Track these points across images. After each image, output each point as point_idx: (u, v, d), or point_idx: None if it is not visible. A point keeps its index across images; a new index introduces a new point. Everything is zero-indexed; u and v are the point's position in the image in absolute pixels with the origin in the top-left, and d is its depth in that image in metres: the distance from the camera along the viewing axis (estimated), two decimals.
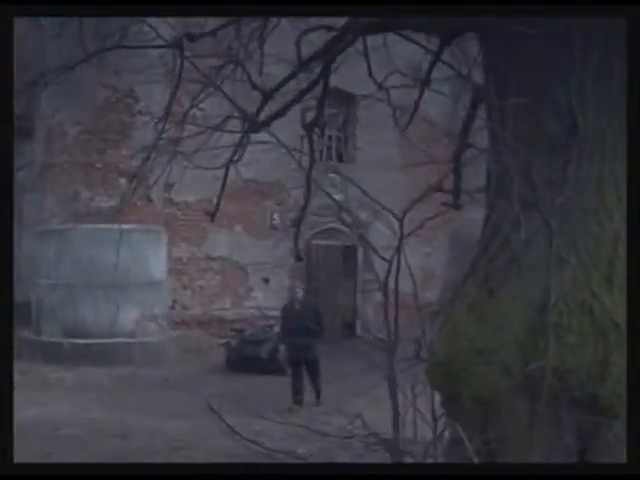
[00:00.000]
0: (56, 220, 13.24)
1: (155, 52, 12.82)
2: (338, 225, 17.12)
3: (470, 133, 5.94)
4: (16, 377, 11.81)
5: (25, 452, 6.27)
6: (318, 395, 10.75)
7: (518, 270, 3.31)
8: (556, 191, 3.20)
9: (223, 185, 7.14)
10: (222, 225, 15.28)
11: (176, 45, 5.32)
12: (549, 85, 3.36)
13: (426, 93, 8.07)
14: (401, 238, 3.67)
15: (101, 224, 12.85)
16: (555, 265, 2.97)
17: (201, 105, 15.75)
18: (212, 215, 7.67)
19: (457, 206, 6.89)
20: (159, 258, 13.61)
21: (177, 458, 5.66)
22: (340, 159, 17.37)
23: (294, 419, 8.19)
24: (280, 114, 5.55)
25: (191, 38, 5.40)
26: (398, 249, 3.56)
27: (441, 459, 3.39)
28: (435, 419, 3.93)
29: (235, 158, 6.23)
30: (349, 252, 17.19)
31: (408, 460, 3.56)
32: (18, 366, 11.94)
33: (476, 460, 2.67)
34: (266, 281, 15.92)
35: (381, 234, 18.86)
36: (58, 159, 13.15)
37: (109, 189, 12.98)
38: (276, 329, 13.17)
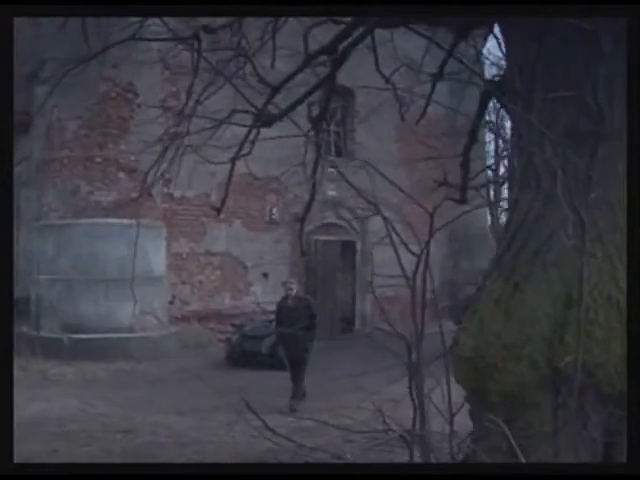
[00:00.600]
0: (55, 215, 13.16)
1: (155, 45, 12.81)
2: (336, 220, 17.15)
3: (480, 128, 5.94)
4: (16, 373, 11.78)
5: (30, 448, 6.26)
6: (296, 396, 10.10)
7: (543, 264, 3.28)
8: (581, 185, 3.18)
9: (229, 179, 7.11)
10: (221, 220, 15.24)
11: (194, 38, 5.26)
12: (577, 79, 3.34)
13: (425, 89, 8.07)
14: (430, 232, 3.64)
15: (101, 219, 12.82)
16: (583, 259, 2.95)
17: (200, 99, 15.64)
18: (218, 210, 7.65)
19: (464, 201, 6.89)
20: (159, 253, 13.56)
21: (188, 453, 5.63)
22: (339, 154, 17.34)
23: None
24: (292, 108, 5.51)
25: (208, 30, 5.35)
26: (427, 244, 3.53)
27: (468, 455, 3.37)
28: (452, 414, 3.91)
29: (244, 152, 6.19)
30: (348, 247, 17.19)
31: (433, 456, 3.54)
32: (18, 362, 11.92)
33: (521, 457, 2.65)
34: (265, 276, 15.88)
35: (379, 228, 18.75)
36: (57, 154, 13.06)
37: (109, 183, 12.91)
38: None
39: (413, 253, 3.71)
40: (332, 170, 16.87)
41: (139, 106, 12.99)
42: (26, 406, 9.09)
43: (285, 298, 10.64)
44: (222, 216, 15.10)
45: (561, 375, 3.02)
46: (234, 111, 7.13)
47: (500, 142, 25.65)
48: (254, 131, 6.09)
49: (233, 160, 7.07)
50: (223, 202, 7.40)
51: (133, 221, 12.96)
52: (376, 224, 19.61)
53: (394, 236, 3.89)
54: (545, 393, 3.11)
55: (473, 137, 5.66)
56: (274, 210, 15.81)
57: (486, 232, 21.01)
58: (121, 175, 12.92)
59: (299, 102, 5.30)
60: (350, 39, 5.61)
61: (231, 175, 6.99)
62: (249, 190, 15.11)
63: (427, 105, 5.26)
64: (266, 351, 12.71)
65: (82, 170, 12.85)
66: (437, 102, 5.88)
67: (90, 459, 5.76)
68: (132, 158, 13.01)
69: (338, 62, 5.00)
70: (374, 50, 6.32)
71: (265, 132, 7.00)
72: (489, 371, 3.24)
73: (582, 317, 2.79)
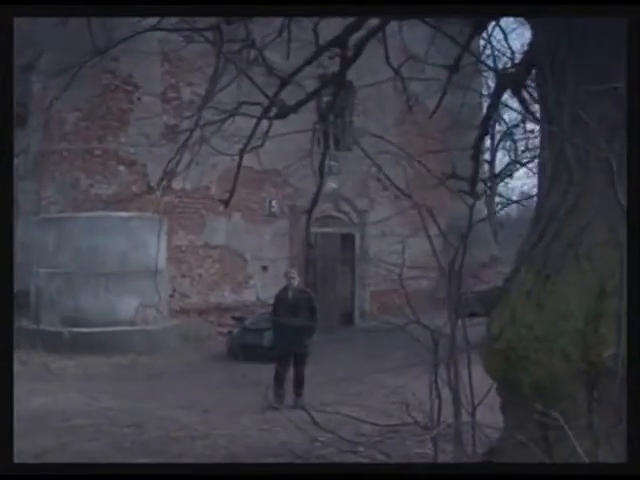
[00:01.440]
0: (55, 208, 13.09)
1: (156, 38, 12.74)
2: (335, 213, 17.14)
3: (492, 121, 5.93)
4: (17, 367, 11.75)
5: (38, 443, 6.22)
6: (299, 394, 9.51)
7: (575, 256, 3.28)
8: (611, 175, 3.16)
9: (237, 172, 7.09)
10: (220, 213, 15.20)
11: (215, 29, 5.23)
12: (608, 71, 3.32)
13: (424, 83, 8.05)
14: (470, 225, 3.62)
15: (101, 212, 12.76)
16: (615, 251, 2.94)
17: (198, 90, 15.63)
18: (226, 202, 7.63)
19: (474, 193, 6.88)
20: (159, 246, 13.49)
21: (198, 448, 5.61)
22: (337, 146, 17.29)
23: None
24: (307, 100, 5.48)
25: (229, 22, 5.32)
26: (466, 236, 3.50)
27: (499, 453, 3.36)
28: (474, 406, 3.92)
29: (257, 144, 6.18)
30: (347, 240, 17.18)
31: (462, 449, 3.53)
32: (18, 355, 11.87)
33: (582, 455, 2.64)
34: (265, 269, 15.86)
35: (378, 221, 18.72)
36: (57, 146, 12.97)
37: (109, 176, 12.84)
38: None
39: (451, 245, 3.69)
40: (334, 163, 16.88)
41: (139, 99, 12.91)
42: (30, 400, 9.06)
43: (285, 290, 10.09)
44: (221, 209, 15.09)
45: (597, 368, 3.02)
46: (242, 103, 7.10)
47: (497, 135, 25.71)
48: (266, 123, 6.07)
49: (242, 152, 7.05)
50: (231, 194, 7.37)
51: (133, 214, 12.95)
52: (375, 216, 19.63)
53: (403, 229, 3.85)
54: (579, 386, 3.10)
55: (485, 129, 5.65)
56: (273, 203, 15.77)
57: (484, 225, 21.02)
58: (121, 168, 12.86)
59: (314, 93, 5.27)
60: (362, 31, 5.60)
61: (240, 167, 6.97)
62: (248, 183, 15.05)
63: (442, 97, 5.23)
64: (267, 344, 12.66)
65: (82, 163, 12.77)
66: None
67: (100, 454, 5.73)
68: (132, 151, 12.96)
69: (355, 55, 4.95)
70: (384, 43, 6.31)
71: (265, 125, 7.01)
72: (521, 363, 3.23)
73: (623, 309, 2.78)
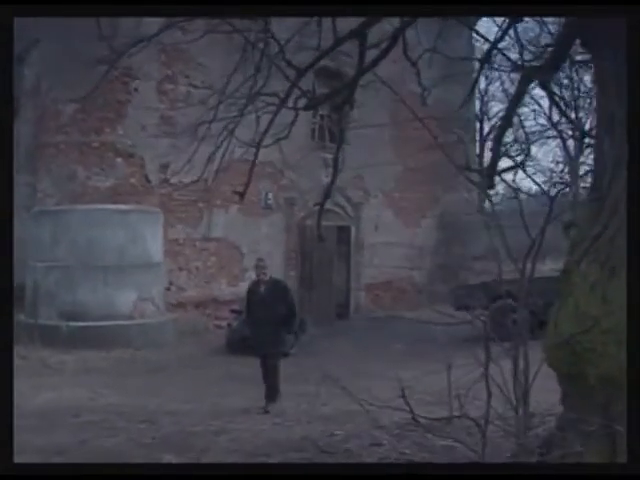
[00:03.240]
0: (51, 201, 12.93)
1: (155, 28, 12.56)
2: (331, 206, 17.09)
3: (514, 115, 5.91)
4: (16, 361, 11.59)
5: (55, 441, 6.12)
6: (271, 398, 8.63)
7: (639, 249, 3.24)
8: None
9: (253, 164, 7.05)
10: (217, 206, 15.12)
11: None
12: None
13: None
14: (548, 218, 3.57)
15: (99, 204, 12.63)
16: None
17: (194, 82, 15.45)
18: (242, 194, 7.60)
19: (491, 186, 6.88)
20: (156, 239, 13.41)
21: (223, 442, 5.56)
22: (332, 139, 17.24)
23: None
24: (336, 92, 5.45)
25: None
26: (542, 231, 3.46)
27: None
28: (518, 399, 3.90)
29: (282, 136, 6.15)
30: (343, 233, 17.15)
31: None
32: (16, 350, 11.73)
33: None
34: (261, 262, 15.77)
35: (374, 215, 18.86)
36: (53, 138, 12.81)
37: (106, 169, 12.70)
38: None
39: (531, 237, 3.65)
40: (328, 156, 16.80)
41: (136, 90, 12.78)
42: (34, 395, 8.97)
43: (257, 282, 9.11)
44: (218, 202, 15.01)
45: None
46: (258, 94, 7.05)
47: (485, 128, 25.82)
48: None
49: (258, 145, 7.01)
50: (247, 186, 7.35)
51: (131, 207, 12.83)
52: (370, 210, 19.69)
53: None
54: None
55: (508, 121, 5.64)
56: (269, 195, 15.70)
57: (477, 218, 21.08)
58: (119, 160, 12.72)
59: (345, 86, 5.23)
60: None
61: (255, 159, 6.94)
62: (245, 175, 14.97)
63: (472, 89, 5.20)
64: None
65: (79, 155, 12.62)
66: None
67: (120, 450, 5.67)
68: (129, 143, 12.83)
69: (389, 47, 4.91)
70: (403, 35, 6.27)
71: (266, 117, 6.98)
72: (587, 355, 3.21)
73: None
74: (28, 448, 5.84)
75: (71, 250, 12.56)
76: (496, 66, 6.63)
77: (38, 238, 12.82)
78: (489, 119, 25.94)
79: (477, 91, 21.55)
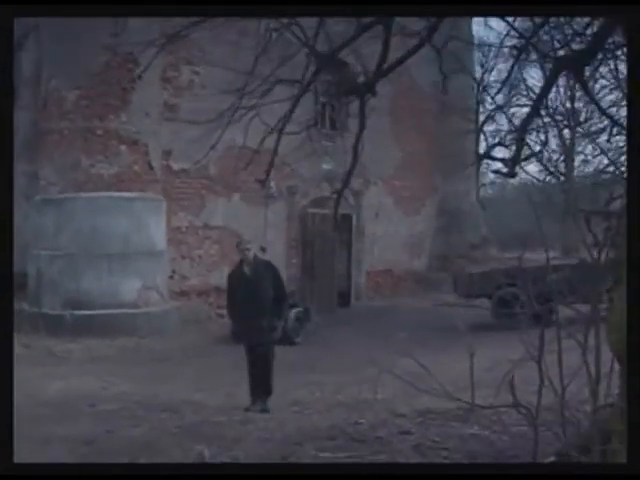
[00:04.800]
0: (54, 189, 12.80)
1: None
2: (332, 194, 17.05)
3: (543, 103, 5.90)
4: (21, 350, 11.54)
5: (76, 429, 6.08)
6: (258, 395, 7.89)
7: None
8: None
9: (275, 150, 7.01)
10: (220, 194, 15.06)
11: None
12: None
13: (423, 68, 7.90)
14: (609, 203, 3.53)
15: (103, 192, 12.54)
16: None
17: (196, 69, 15.32)
18: (262, 182, 7.59)
19: (512, 174, 6.88)
20: (160, 227, 13.34)
21: (252, 430, 5.54)
22: (333, 127, 17.20)
23: None
24: (378, 79, 5.41)
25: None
26: (619, 217, 3.39)
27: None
28: (564, 387, 3.89)
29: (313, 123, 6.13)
30: (344, 221, 17.13)
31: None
32: (20, 339, 11.66)
33: None
34: (263, 250, 15.72)
35: (374, 203, 18.86)
36: (56, 125, 12.67)
37: (110, 156, 12.60)
38: None
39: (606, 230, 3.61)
40: (329, 144, 16.78)
41: (140, 77, 12.64)
42: (46, 385, 8.91)
43: (240, 265, 8.14)
44: (220, 190, 14.95)
45: None
46: (280, 81, 7.00)
47: (480, 117, 25.86)
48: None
49: (280, 132, 6.97)
50: (268, 173, 7.32)
51: (135, 194, 12.75)
52: (371, 198, 19.69)
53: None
54: None
55: (536, 111, 5.63)
56: (272, 184, 15.63)
57: (475, 206, 21.18)
58: (122, 148, 12.62)
59: (390, 69, 5.18)
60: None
61: (277, 145, 6.90)
62: (246, 163, 14.91)
63: (508, 77, 5.18)
64: None
65: (82, 143, 12.49)
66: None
67: (149, 440, 5.63)
68: (134, 130, 12.72)
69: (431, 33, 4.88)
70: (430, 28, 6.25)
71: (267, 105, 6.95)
72: None
73: None
74: (54, 439, 5.83)
75: (75, 238, 12.47)
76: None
77: (41, 226, 12.71)
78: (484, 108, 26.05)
79: (473, 80, 21.61)
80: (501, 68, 25.91)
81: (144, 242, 12.88)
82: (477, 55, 23.71)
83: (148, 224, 12.92)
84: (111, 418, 6.65)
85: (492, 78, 26.12)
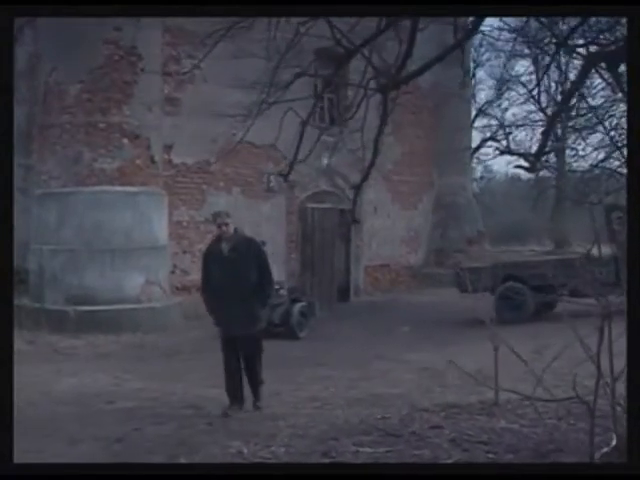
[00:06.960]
0: (56, 183, 12.67)
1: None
2: (331, 187, 17.05)
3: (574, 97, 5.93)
4: (24, 346, 11.41)
5: (110, 429, 5.98)
6: (256, 393, 6.99)
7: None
8: None
9: (299, 143, 6.99)
10: (220, 188, 14.99)
11: None
12: None
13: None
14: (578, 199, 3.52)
15: (105, 186, 12.44)
16: None
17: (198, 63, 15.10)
18: (285, 176, 7.57)
19: (533, 169, 6.89)
20: (162, 222, 13.25)
21: (283, 428, 5.51)
22: (332, 122, 17.15)
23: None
24: (420, 72, 5.40)
25: None
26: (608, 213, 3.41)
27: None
28: (614, 379, 3.89)
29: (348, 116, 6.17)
30: (345, 215, 17.11)
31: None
32: (23, 335, 11.55)
33: None
34: (263, 244, 15.66)
35: (373, 197, 18.85)
36: (57, 120, 12.53)
37: (112, 150, 12.48)
38: (282, 292, 13.04)
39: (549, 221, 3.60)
40: (328, 139, 16.78)
41: (142, 70, 12.55)
42: (55, 382, 8.82)
43: (217, 241, 7.05)
44: (221, 184, 14.89)
45: None
46: (299, 74, 6.99)
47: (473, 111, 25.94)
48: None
49: (304, 124, 6.96)
50: (291, 167, 7.31)
51: (138, 189, 12.65)
52: (369, 193, 19.67)
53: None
54: None
55: (567, 106, 5.65)
56: (272, 178, 15.59)
57: (472, 201, 21.24)
58: (125, 141, 12.51)
59: (428, 66, 5.18)
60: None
61: (302, 138, 6.89)
62: (248, 158, 14.86)
63: (546, 71, 5.19)
64: (277, 320, 12.59)
65: (84, 136, 12.37)
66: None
67: (182, 437, 5.60)
68: (136, 124, 12.62)
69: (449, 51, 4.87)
70: (455, 21, 6.27)
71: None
72: None
73: None
74: (83, 437, 5.77)
75: (77, 233, 12.36)
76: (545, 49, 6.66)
77: (43, 221, 12.58)
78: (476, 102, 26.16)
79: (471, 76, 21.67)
80: (493, 64, 26.04)
81: (147, 237, 12.79)
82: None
83: (151, 218, 12.84)
84: (133, 416, 6.60)
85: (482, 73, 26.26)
